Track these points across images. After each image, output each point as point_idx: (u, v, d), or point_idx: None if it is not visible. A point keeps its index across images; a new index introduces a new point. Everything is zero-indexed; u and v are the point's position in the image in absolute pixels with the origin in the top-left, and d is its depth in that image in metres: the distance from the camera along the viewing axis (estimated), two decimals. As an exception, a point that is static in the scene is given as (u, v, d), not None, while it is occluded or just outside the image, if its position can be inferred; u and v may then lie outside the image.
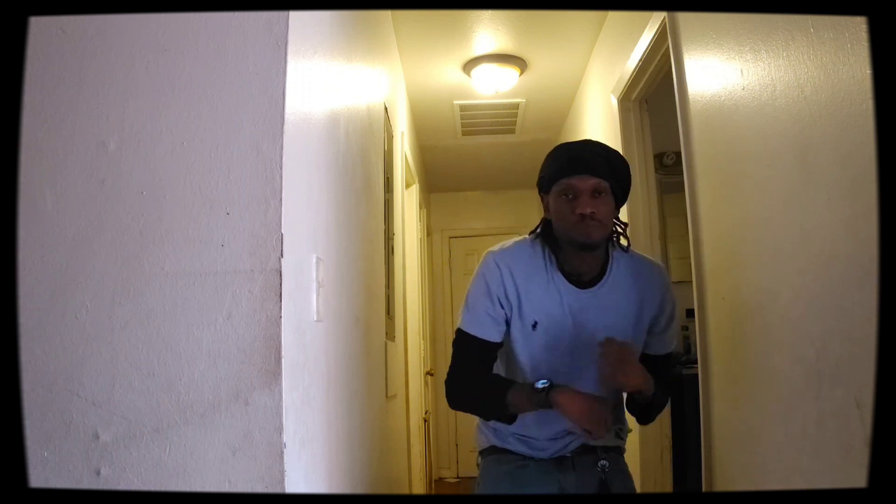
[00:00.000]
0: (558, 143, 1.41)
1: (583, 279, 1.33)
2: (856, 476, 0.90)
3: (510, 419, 1.32)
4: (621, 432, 1.44)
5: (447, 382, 1.35)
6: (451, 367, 1.36)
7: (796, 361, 1.14)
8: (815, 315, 1.08)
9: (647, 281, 1.36)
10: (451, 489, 4.76)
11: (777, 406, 1.23)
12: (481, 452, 1.46)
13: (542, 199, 1.36)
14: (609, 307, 1.32)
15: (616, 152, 1.33)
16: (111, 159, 0.87)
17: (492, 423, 1.40)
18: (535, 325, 1.32)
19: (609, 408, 1.24)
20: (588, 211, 1.23)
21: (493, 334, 1.33)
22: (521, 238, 1.40)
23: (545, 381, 1.23)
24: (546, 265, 1.34)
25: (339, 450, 1.26)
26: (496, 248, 1.37)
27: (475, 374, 1.33)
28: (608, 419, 1.22)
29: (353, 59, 1.64)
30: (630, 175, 1.33)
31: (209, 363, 0.84)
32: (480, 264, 1.36)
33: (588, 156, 1.27)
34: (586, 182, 1.25)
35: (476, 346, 1.33)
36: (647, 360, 1.34)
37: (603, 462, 1.36)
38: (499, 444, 1.41)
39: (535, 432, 1.37)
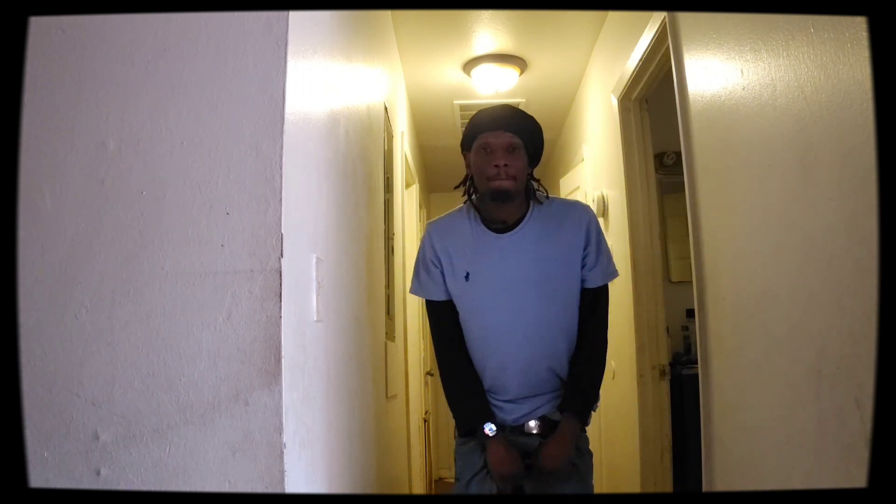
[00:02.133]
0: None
1: (504, 227, 1.48)
2: (856, 476, 0.90)
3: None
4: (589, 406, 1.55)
5: (434, 347, 1.56)
6: (430, 328, 1.58)
7: (796, 361, 1.14)
8: (815, 315, 1.07)
9: (571, 220, 1.49)
10: (451, 489, 4.75)
11: (777, 406, 1.23)
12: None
13: (465, 158, 1.51)
14: (531, 249, 1.45)
15: (530, 116, 1.49)
16: (111, 159, 0.87)
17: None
18: (467, 276, 1.46)
19: (519, 467, 1.44)
20: (502, 163, 1.39)
21: (434, 293, 1.51)
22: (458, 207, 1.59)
23: (493, 428, 1.44)
24: (470, 220, 1.51)
25: (339, 450, 1.25)
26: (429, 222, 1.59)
27: (456, 354, 1.50)
28: (517, 475, 1.43)
29: (353, 59, 1.64)
30: (542, 138, 1.50)
31: (209, 363, 0.83)
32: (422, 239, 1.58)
33: (503, 116, 1.44)
34: (501, 138, 1.41)
35: (433, 308, 1.53)
36: (585, 294, 1.50)
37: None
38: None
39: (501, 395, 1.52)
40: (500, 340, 1.47)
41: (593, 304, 1.51)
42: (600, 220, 3.05)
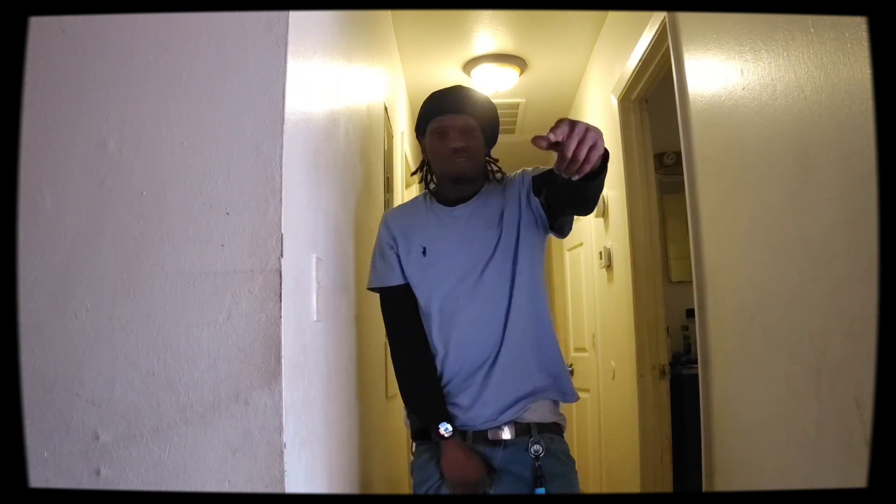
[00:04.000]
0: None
1: (458, 202, 1.43)
2: (856, 476, 0.90)
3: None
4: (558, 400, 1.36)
5: (389, 340, 1.45)
6: (385, 322, 1.47)
7: (796, 361, 1.14)
8: (815, 315, 1.07)
9: (512, 181, 1.42)
10: None
11: (777, 406, 1.23)
12: (413, 437, 1.42)
13: (420, 143, 1.46)
14: (482, 215, 1.39)
15: (484, 96, 1.44)
16: (111, 159, 0.87)
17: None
18: (424, 251, 1.39)
19: (481, 473, 1.27)
20: (459, 145, 1.34)
21: (391, 278, 1.42)
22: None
23: (449, 428, 1.28)
24: (425, 200, 1.48)
25: (339, 450, 1.25)
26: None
27: (413, 344, 1.39)
28: (478, 484, 1.26)
29: (353, 59, 1.64)
30: (497, 118, 1.44)
31: (209, 363, 0.83)
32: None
33: (456, 97, 1.39)
34: (455, 120, 1.36)
35: (387, 296, 1.43)
36: (558, 185, 1.25)
37: (536, 447, 1.27)
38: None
39: (462, 400, 1.32)
40: (462, 323, 1.33)
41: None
42: (600, 220, 3.06)
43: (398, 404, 2.38)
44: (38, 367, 0.81)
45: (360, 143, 1.73)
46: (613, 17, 2.67)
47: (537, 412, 1.31)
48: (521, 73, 3.23)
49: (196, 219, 0.86)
